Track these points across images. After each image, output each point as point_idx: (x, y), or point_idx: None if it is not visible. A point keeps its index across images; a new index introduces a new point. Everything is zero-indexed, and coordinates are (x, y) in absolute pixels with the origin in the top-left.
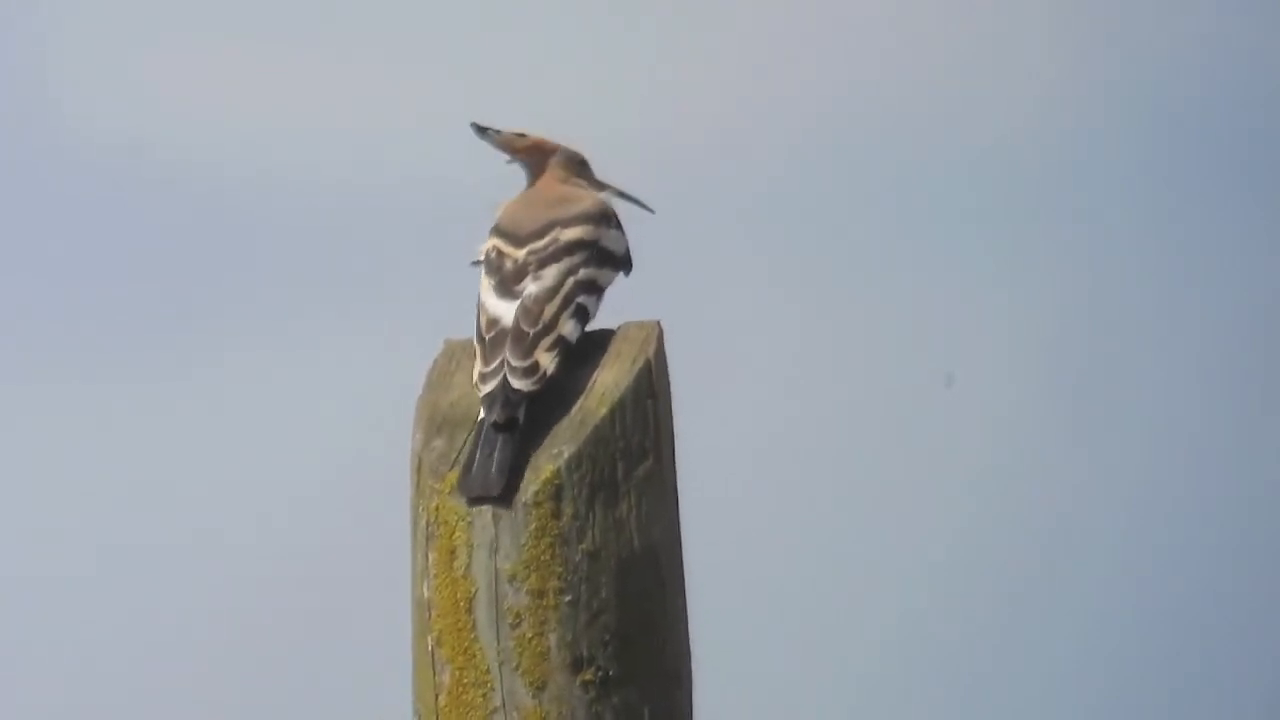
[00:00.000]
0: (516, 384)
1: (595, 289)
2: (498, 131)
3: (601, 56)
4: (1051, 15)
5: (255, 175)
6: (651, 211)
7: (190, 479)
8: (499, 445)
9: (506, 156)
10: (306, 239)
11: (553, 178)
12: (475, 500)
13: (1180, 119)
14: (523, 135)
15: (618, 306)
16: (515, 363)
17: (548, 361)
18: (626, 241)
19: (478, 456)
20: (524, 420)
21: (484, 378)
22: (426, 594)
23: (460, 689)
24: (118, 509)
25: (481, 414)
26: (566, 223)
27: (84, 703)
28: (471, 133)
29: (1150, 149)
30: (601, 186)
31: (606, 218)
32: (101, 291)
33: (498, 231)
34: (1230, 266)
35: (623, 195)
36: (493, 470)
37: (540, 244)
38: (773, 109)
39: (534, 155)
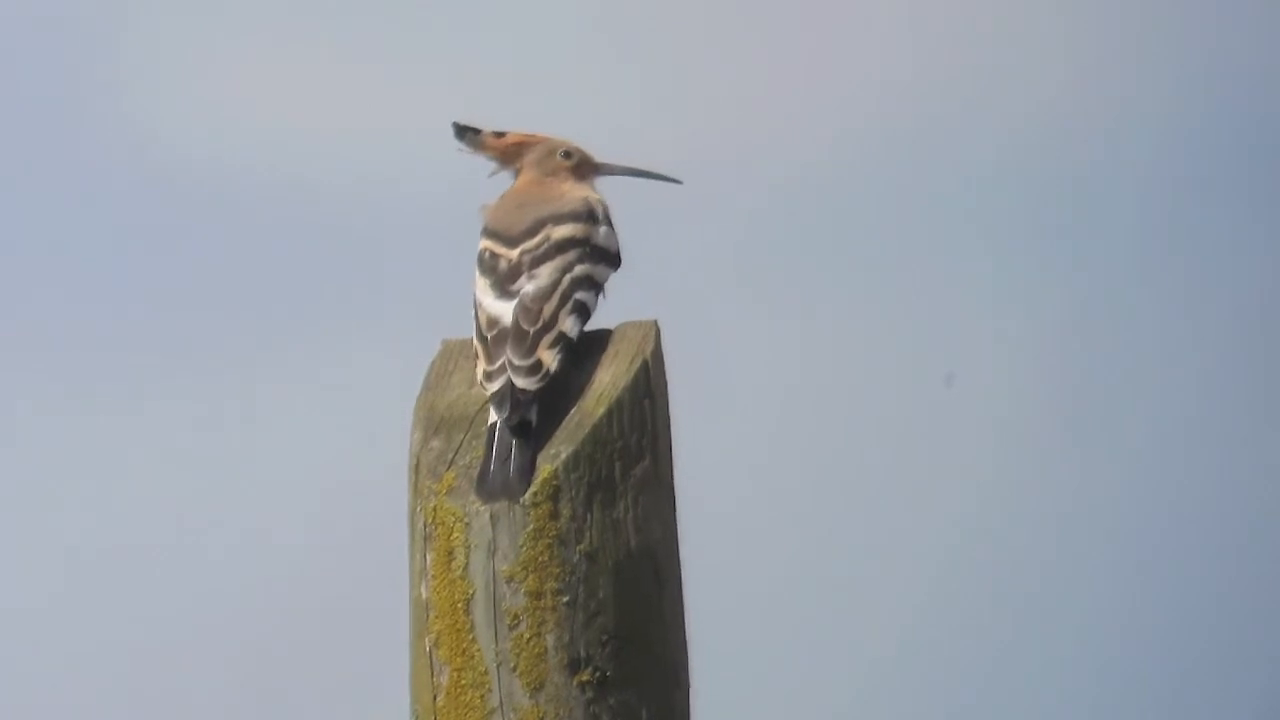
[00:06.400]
0: (520, 383)
1: (593, 285)
2: (477, 131)
3: (604, 58)
4: (1053, 21)
5: (250, 175)
6: (678, 182)
7: (187, 481)
8: (515, 448)
9: (492, 165)
10: (303, 240)
11: (533, 176)
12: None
13: (1181, 123)
14: (502, 134)
15: (615, 306)
16: (518, 361)
17: (550, 360)
18: (617, 238)
19: (494, 460)
20: (535, 422)
21: (489, 376)
22: (424, 595)
23: (458, 690)
24: (108, 512)
25: (492, 416)
26: (557, 220)
27: (79, 702)
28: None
29: (1151, 151)
30: (607, 171)
31: (595, 215)
32: (96, 295)
33: (488, 233)
34: (1230, 268)
35: (637, 173)
36: (512, 473)
37: (532, 243)
38: (773, 110)
39: (516, 156)
